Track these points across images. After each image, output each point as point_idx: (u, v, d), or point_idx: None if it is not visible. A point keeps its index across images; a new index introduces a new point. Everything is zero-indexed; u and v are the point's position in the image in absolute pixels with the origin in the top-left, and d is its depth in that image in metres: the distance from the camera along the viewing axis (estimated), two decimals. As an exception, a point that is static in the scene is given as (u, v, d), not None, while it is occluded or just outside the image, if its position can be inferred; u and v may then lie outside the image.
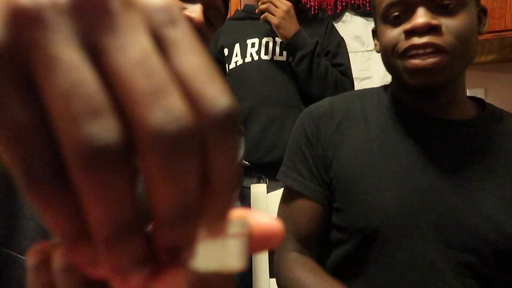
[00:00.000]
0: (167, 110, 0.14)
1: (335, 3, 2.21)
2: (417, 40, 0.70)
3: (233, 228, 0.19)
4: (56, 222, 0.15)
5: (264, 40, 1.50)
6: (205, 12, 0.74)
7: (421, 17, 0.70)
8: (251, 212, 0.21)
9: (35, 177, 0.15)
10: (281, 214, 0.84)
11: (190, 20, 0.71)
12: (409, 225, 0.71)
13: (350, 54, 2.16)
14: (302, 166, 0.81)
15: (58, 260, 0.18)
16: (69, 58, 0.14)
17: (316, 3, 2.21)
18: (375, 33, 0.86)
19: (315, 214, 0.79)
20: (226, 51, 1.55)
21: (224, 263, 0.18)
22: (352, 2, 2.19)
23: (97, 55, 0.15)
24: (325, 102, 0.86)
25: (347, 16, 2.22)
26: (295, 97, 1.46)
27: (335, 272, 0.77)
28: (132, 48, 0.15)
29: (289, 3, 1.42)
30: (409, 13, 0.72)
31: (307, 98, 1.47)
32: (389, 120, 0.80)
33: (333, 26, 1.62)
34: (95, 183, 0.14)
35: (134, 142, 0.15)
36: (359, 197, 0.74)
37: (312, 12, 2.21)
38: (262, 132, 1.43)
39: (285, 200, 0.84)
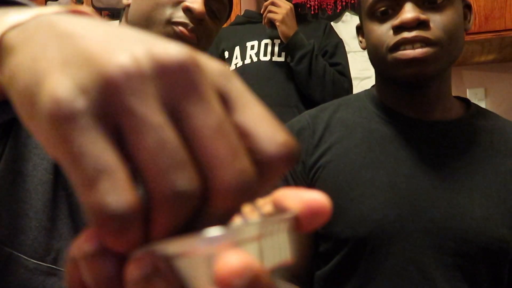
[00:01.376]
0: (241, 170, 0.18)
1: (335, 3, 2.21)
2: (406, 34, 0.70)
3: (278, 221, 0.20)
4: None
5: (263, 42, 1.54)
6: (207, 3, 0.73)
7: (409, 12, 0.69)
8: (292, 191, 0.22)
9: (112, 222, 0.17)
10: None
11: (190, 10, 0.71)
12: (397, 232, 0.70)
13: (350, 54, 2.17)
14: (281, 183, 0.79)
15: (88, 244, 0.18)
16: (155, 119, 0.17)
17: (316, 3, 2.21)
18: (359, 30, 0.85)
19: (298, 235, 0.77)
20: (226, 54, 1.59)
21: (276, 258, 0.19)
22: (352, 2, 2.19)
23: (178, 117, 0.18)
24: (305, 116, 0.84)
25: (347, 16, 2.22)
26: (293, 97, 1.49)
27: (325, 282, 0.76)
28: (211, 114, 0.18)
29: (290, 3, 1.45)
30: (397, 8, 0.72)
31: (306, 98, 1.49)
32: (373, 125, 0.78)
33: (331, 28, 1.64)
34: (174, 221, 0.17)
35: (209, 189, 0.18)
36: (345, 207, 0.73)
37: (312, 12, 2.21)
38: None
39: None
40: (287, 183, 0.79)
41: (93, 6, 2.31)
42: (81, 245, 0.18)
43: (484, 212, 0.69)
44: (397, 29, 0.71)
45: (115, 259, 0.18)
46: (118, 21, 2.22)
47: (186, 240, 0.17)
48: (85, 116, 0.17)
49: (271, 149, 0.19)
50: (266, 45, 1.53)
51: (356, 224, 0.71)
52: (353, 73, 2.19)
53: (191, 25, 0.71)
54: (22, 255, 0.58)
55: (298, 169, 0.78)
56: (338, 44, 1.58)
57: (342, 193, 0.73)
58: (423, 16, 0.69)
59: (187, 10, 0.71)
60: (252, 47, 1.54)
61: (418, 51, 0.69)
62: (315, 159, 0.78)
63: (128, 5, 0.77)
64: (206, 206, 0.18)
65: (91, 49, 0.18)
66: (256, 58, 1.53)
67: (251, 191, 0.18)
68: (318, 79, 1.42)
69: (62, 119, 0.17)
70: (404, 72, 0.71)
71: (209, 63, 0.20)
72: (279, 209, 0.22)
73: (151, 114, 0.17)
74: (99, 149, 0.17)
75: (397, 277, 0.69)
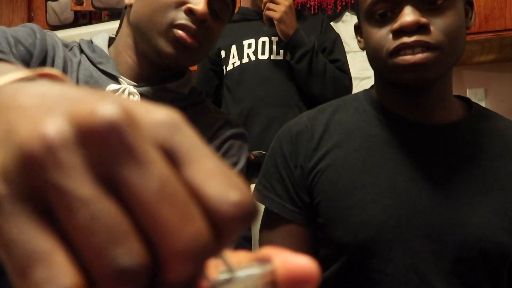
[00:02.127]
0: (194, 235, 0.16)
1: (335, 2, 2.21)
2: (406, 39, 0.67)
3: (252, 280, 0.18)
4: None
5: (261, 40, 1.50)
6: (210, 3, 0.73)
7: (408, 15, 0.67)
8: (280, 252, 0.20)
9: None
10: (262, 243, 0.81)
11: (193, 12, 0.70)
12: (397, 238, 0.69)
13: (350, 54, 2.16)
14: (279, 187, 0.78)
15: None
16: (85, 192, 0.15)
17: (316, 2, 2.21)
18: (357, 29, 0.83)
19: (296, 239, 0.76)
20: (223, 53, 1.56)
21: None
22: (352, 1, 2.19)
23: (115, 185, 0.16)
24: (303, 118, 0.82)
25: (347, 15, 2.22)
26: (293, 96, 1.46)
27: (325, 287, 0.75)
28: (151, 177, 0.16)
29: (289, 0, 1.42)
30: (396, 11, 0.69)
31: (306, 97, 1.47)
32: (372, 128, 0.77)
33: (328, 23, 1.61)
34: None
35: (161, 258, 0.16)
36: (344, 212, 0.72)
37: (312, 12, 2.21)
38: (263, 132, 1.43)
39: (265, 225, 0.81)
40: (286, 187, 0.78)
41: (93, 6, 2.31)
42: None
43: (483, 218, 0.68)
44: (397, 33, 0.69)
45: None
46: (117, 20, 2.20)
47: None
48: (9, 201, 0.15)
49: (224, 210, 0.17)
50: (263, 43, 1.50)
51: (356, 229, 0.70)
52: (353, 73, 2.18)
53: (193, 27, 0.71)
54: None
55: (297, 174, 0.77)
56: (336, 40, 1.55)
57: (342, 198, 0.72)
58: (423, 20, 0.67)
59: (189, 12, 0.70)
60: (250, 46, 1.51)
61: (418, 56, 0.67)
62: (313, 163, 0.76)
63: (130, 5, 0.77)
64: (162, 277, 0.16)
65: (17, 123, 0.16)
66: (254, 57, 1.49)
67: (208, 254, 0.17)
68: (318, 76, 1.41)
69: None
70: (404, 77, 0.70)
71: (149, 115, 0.17)
72: (256, 260, 0.20)
73: (79, 187, 0.15)
74: (29, 234, 0.15)
75: (397, 283, 0.68)
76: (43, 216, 0.16)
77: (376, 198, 0.71)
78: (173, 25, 0.71)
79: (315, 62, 1.40)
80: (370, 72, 2.22)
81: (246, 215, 0.17)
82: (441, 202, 0.70)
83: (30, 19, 2.51)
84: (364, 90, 0.86)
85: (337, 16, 2.23)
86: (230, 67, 1.53)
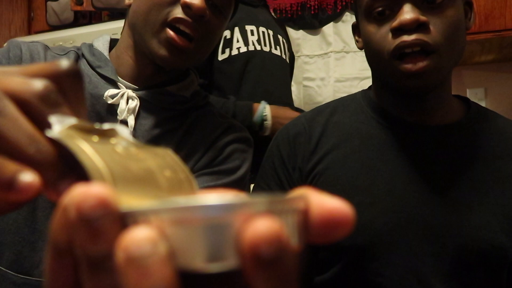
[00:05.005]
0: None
1: (335, 2, 2.20)
2: (406, 38, 0.66)
3: (287, 204, 0.17)
4: None
5: (261, 29, 1.34)
6: None
7: (408, 13, 0.66)
8: (315, 192, 0.19)
9: None
10: None
11: (189, 7, 0.68)
12: (396, 240, 0.68)
13: (350, 54, 2.16)
14: (277, 189, 0.78)
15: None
16: None
17: (316, 2, 2.20)
18: (355, 29, 0.82)
19: None
20: (228, 33, 1.32)
21: None
22: (352, 1, 2.19)
23: None
24: (301, 120, 0.81)
25: (347, 15, 2.22)
26: (290, 96, 1.40)
27: None
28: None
29: None
30: (395, 9, 0.68)
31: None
32: (371, 130, 0.76)
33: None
34: None
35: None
36: None
37: (312, 12, 2.21)
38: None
39: None
40: (284, 190, 0.77)
41: (93, 6, 2.31)
42: (79, 205, 0.17)
43: (482, 219, 0.68)
44: (396, 32, 0.68)
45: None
46: (117, 21, 2.17)
47: (185, 205, 0.16)
48: None
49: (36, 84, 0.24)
50: (263, 33, 1.33)
51: (355, 233, 0.69)
52: (353, 73, 2.19)
53: (189, 20, 0.69)
54: (9, 271, 0.57)
55: (295, 176, 0.77)
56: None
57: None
58: (422, 18, 0.66)
59: (186, 7, 0.68)
60: (252, 33, 1.32)
61: (419, 65, 0.66)
62: (312, 166, 0.76)
63: (130, 6, 0.76)
64: None
65: None
66: (259, 46, 1.31)
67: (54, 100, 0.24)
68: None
69: None
70: (405, 84, 0.69)
71: None
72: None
73: None
74: None
75: (396, 285, 0.68)
76: None
77: (374, 201, 0.70)
78: (168, 22, 0.69)
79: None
80: (370, 72, 2.21)
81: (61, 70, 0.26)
82: (440, 204, 0.69)
83: (30, 19, 2.51)
84: (362, 91, 0.85)
85: (337, 16, 2.22)
86: (235, 51, 1.30)
